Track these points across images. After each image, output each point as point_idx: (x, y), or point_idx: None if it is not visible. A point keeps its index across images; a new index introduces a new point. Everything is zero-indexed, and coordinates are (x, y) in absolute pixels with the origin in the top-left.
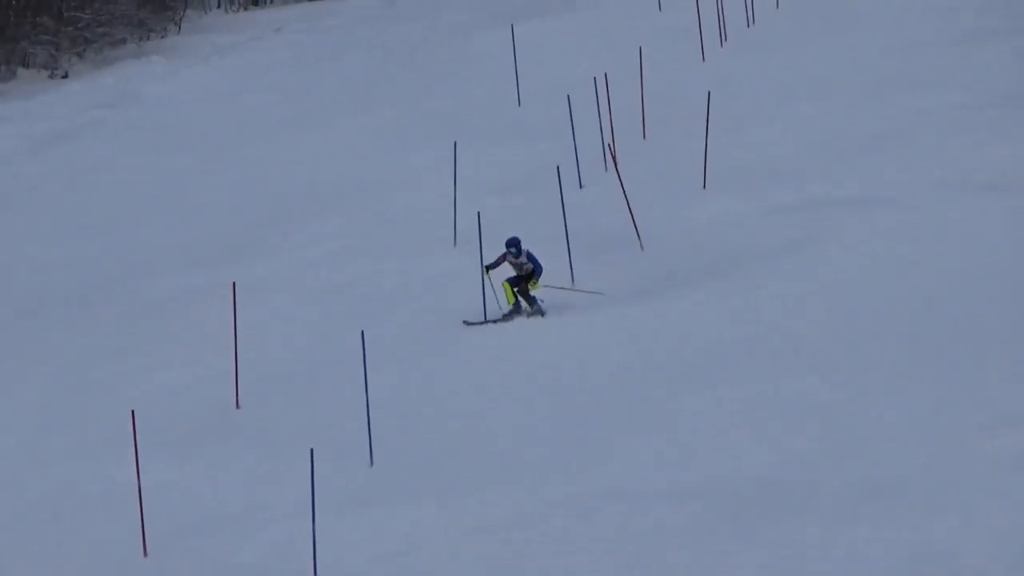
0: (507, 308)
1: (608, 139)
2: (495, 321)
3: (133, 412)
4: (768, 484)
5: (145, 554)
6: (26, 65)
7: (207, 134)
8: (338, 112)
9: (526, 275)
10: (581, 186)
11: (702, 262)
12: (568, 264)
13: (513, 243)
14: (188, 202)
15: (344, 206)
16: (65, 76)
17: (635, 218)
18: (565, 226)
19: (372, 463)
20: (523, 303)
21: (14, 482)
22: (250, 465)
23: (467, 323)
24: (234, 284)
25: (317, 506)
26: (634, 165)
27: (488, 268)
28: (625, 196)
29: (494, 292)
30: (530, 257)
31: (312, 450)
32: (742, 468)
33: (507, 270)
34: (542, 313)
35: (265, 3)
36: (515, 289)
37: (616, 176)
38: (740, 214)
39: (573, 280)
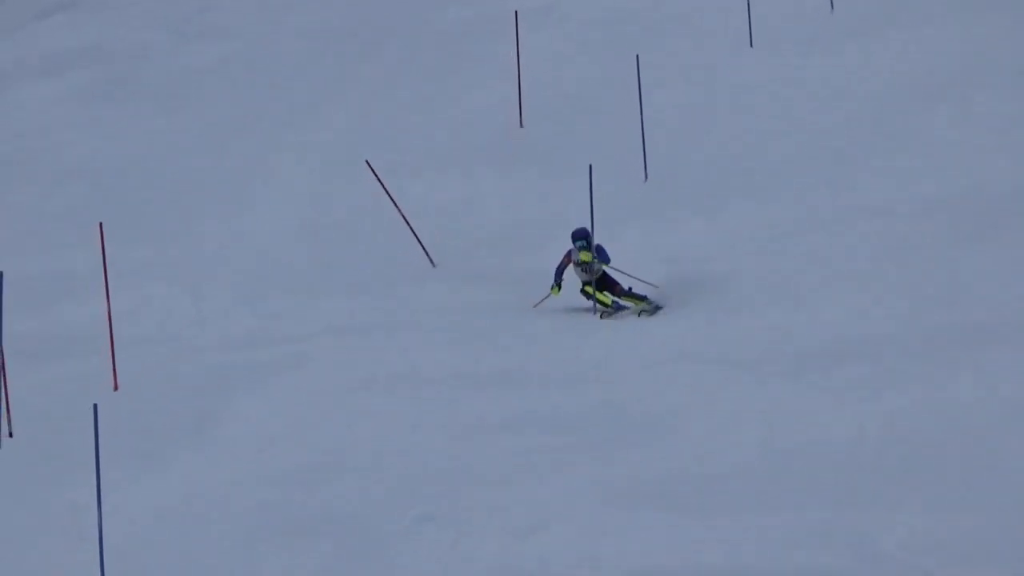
0: (610, 308)
1: None
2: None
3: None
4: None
5: (434, 265)
6: None
7: None
8: None
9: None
10: None
11: None
12: None
13: (582, 235)
14: None
15: None
16: None
17: None
18: None
19: (647, 178)
20: (625, 302)
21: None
22: (533, 180)
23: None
24: (516, 12)
25: (596, 219)
26: None
27: (557, 286)
28: None
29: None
30: (600, 253)
31: (591, 166)
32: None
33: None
34: (656, 307)
35: None
36: (603, 293)
37: None
38: None
39: None
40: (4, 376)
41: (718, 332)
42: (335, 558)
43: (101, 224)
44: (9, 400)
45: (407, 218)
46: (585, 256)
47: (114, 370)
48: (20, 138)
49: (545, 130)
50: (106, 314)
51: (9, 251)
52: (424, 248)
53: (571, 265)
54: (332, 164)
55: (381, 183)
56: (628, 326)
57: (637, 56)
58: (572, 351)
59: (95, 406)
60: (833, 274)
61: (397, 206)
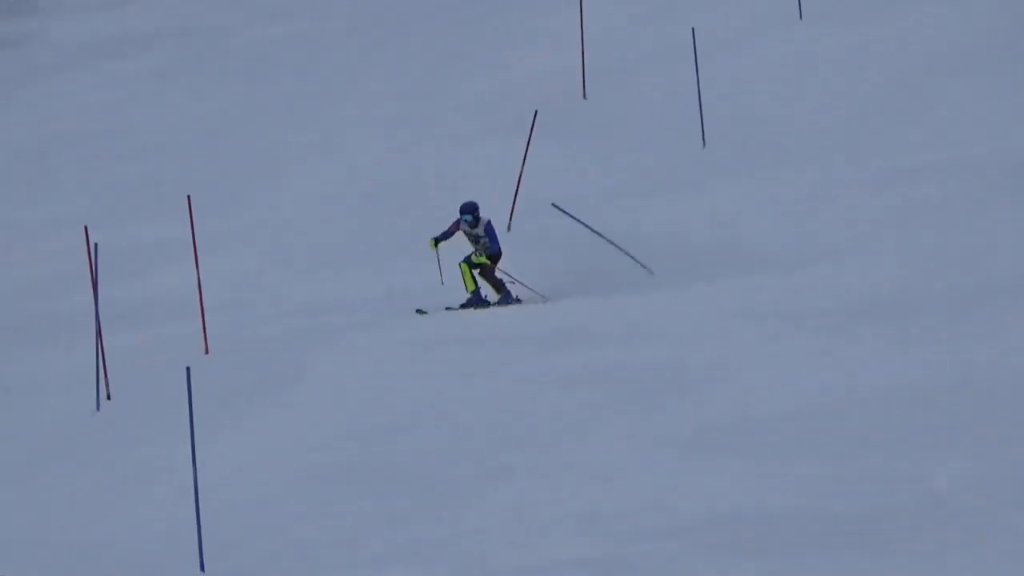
0: (466, 295)
1: None
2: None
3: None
4: None
5: (509, 229)
6: None
7: None
8: None
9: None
10: None
11: None
12: None
13: (470, 208)
14: None
15: None
16: None
17: None
18: None
19: (704, 145)
20: (486, 290)
21: None
22: (595, 148)
23: (419, 311)
24: None
25: (655, 187)
26: None
27: (436, 240)
28: None
29: (440, 272)
30: (488, 230)
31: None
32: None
33: (462, 245)
34: (515, 300)
35: None
36: (474, 272)
37: None
38: None
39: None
40: (100, 342)
41: (767, 290)
42: (414, 510)
43: (189, 197)
44: (106, 364)
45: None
46: (478, 258)
47: (204, 334)
48: (109, 114)
49: (607, 98)
50: (195, 281)
51: (102, 222)
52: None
53: (460, 232)
54: (398, 136)
55: (574, 217)
56: (680, 287)
57: (693, 29)
58: (629, 311)
59: (188, 369)
60: (871, 233)
61: (598, 233)
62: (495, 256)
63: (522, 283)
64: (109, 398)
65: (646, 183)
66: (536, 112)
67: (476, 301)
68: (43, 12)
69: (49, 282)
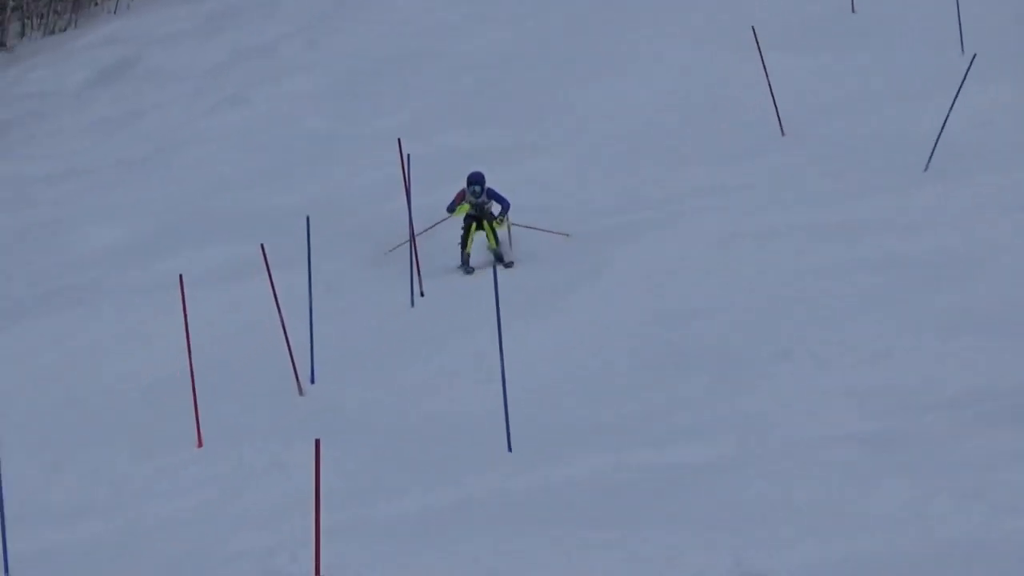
0: (459, 259)
1: None
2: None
3: None
4: None
5: (783, 134)
6: None
7: None
8: None
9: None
10: None
11: None
12: None
13: (478, 180)
14: None
15: None
16: None
17: None
18: None
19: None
20: (491, 249)
21: None
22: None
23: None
24: None
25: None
26: None
27: (450, 211)
28: None
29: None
30: (493, 195)
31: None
32: None
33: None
34: (504, 263)
35: None
36: (473, 232)
37: None
38: None
39: None
40: (414, 245)
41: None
42: (709, 389)
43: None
44: (419, 263)
45: None
46: (500, 224)
47: (509, 234)
48: (419, 37)
49: (878, 10)
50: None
51: (418, 133)
52: (779, 116)
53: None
54: (697, 40)
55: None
56: (950, 182)
57: None
58: (909, 204)
59: (494, 266)
60: None
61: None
62: (506, 209)
63: (539, 228)
64: (423, 295)
65: (913, 86)
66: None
67: (466, 266)
68: None
69: (377, 187)
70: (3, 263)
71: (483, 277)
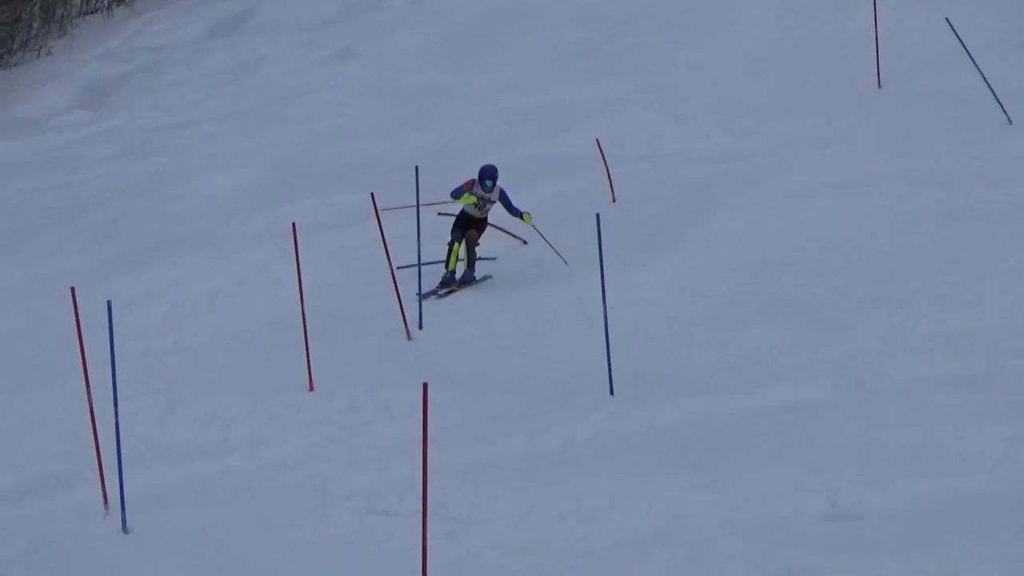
0: (444, 273)
1: None
2: (430, 295)
3: None
4: None
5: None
6: None
7: None
8: None
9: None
10: None
11: None
12: None
13: (491, 174)
14: None
15: None
16: None
17: None
18: None
19: None
20: (464, 269)
21: None
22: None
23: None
24: None
25: None
26: None
27: (455, 196)
28: None
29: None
30: (504, 199)
31: None
32: None
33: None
34: (474, 280)
35: None
36: (461, 242)
37: None
38: None
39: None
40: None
41: None
42: (804, 335)
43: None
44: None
45: None
46: (528, 219)
47: (610, 185)
48: None
49: None
50: (595, 141)
51: (515, 88)
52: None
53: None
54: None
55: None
56: None
57: None
58: (996, 154)
59: (597, 215)
60: None
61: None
62: (483, 224)
63: (503, 229)
64: (525, 243)
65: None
66: None
67: (449, 280)
68: None
69: (486, 137)
70: (125, 211)
71: (585, 223)
